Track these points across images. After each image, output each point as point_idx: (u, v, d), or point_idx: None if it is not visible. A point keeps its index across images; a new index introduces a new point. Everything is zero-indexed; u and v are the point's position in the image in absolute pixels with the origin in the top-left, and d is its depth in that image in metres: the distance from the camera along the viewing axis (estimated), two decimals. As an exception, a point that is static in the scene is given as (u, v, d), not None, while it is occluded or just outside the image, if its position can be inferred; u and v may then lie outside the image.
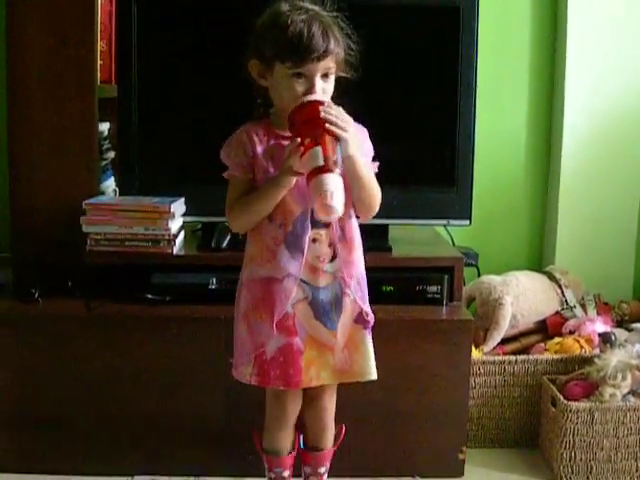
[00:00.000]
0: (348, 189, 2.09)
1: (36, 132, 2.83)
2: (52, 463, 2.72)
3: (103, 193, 3.02)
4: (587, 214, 3.62)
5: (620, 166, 3.60)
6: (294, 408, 2.36)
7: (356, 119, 2.16)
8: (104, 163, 3.12)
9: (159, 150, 2.89)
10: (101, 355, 2.67)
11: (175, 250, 2.79)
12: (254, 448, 2.42)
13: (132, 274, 2.79)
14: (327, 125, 2.05)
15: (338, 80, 2.20)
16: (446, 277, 2.82)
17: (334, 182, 2.00)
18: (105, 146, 3.16)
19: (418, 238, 3.12)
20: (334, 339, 2.24)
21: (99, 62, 2.94)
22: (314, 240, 2.19)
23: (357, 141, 2.16)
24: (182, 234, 2.90)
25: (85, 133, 2.85)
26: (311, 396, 2.35)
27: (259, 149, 2.19)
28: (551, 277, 3.35)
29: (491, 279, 3.25)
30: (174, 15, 2.85)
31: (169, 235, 2.76)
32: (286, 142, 2.15)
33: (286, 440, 2.40)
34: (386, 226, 2.99)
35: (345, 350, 2.25)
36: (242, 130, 2.23)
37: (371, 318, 2.28)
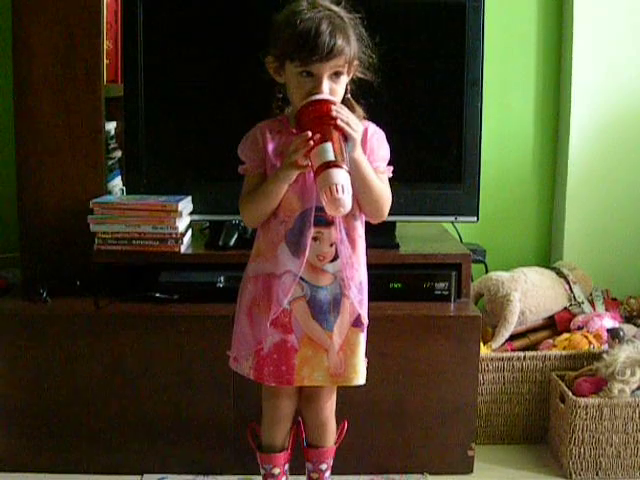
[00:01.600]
0: (353, 190, 2.09)
1: (43, 132, 2.83)
2: (61, 461, 2.73)
3: (110, 192, 3.03)
4: (595, 210, 3.62)
5: (628, 162, 3.59)
6: (288, 406, 2.36)
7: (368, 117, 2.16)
8: (111, 162, 3.12)
9: (166, 149, 2.90)
10: (109, 354, 2.68)
11: (183, 249, 2.79)
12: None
13: (140, 273, 2.80)
14: (339, 122, 2.05)
15: (357, 81, 2.22)
16: (454, 274, 2.82)
17: (343, 177, 2.00)
18: (112, 145, 3.17)
19: (426, 235, 3.11)
20: (329, 340, 2.23)
21: (105, 61, 2.94)
22: (315, 239, 2.19)
23: (370, 141, 2.19)
24: (189, 233, 2.91)
25: (92, 132, 2.85)
26: (309, 394, 2.35)
27: (270, 146, 2.20)
28: (559, 273, 3.35)
29: (499, 275, 3.24)
30: (180, 14, 2.85)
31: (176, 234, 2.76)
32: None
33: (280, 437, 2.40)
34: (393, 223, 2.99)
35: (340, 353, 2.25)
36: (257, 127, 2.25)
37: (366, 323, 2.28)
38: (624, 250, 3.65)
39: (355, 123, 2.10)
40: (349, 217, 2.20)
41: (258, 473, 2.43)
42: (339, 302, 2.23)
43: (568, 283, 3.31)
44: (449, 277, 2.81)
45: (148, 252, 2.77)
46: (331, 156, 2.01)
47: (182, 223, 2.79)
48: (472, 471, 2.76)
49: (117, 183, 3.16)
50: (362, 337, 2.28)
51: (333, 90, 2.12)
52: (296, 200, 2.18)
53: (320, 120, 2.05)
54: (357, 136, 2.10)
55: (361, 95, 2.24)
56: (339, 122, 2.05)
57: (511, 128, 3.65)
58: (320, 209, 2.15)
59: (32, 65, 2.80)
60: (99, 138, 2.87)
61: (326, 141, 2.03)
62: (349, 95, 2.23)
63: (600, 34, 3.50)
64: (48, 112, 2.83)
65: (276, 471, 2.40)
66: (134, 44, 2.83)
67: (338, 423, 2.45)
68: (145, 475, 2.72)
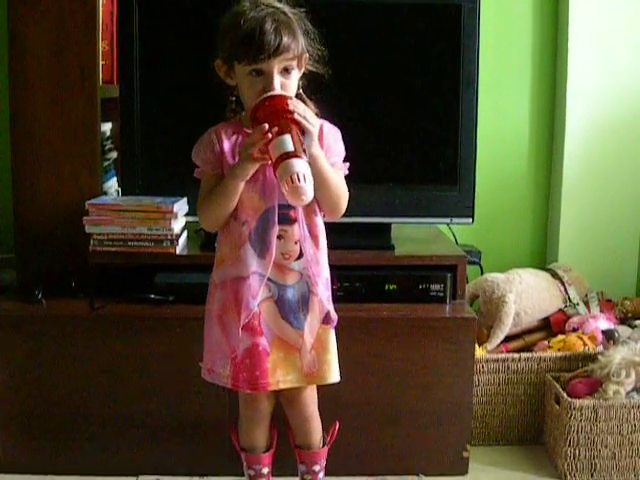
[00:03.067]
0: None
1: (39, 133, 2.83)
2: (56, 462, 2.73)
3: (106, 193, 3.02)
4: (590, 211, 3.62)
5: (623, 164, 3.60)
6: (266, 408, 2.36)
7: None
8: (106, 163, 3.12)
9: (161, 150, 2.90)
10: (105, 355, 2.68)
11: (178, 250, 2.79)
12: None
13: (135, 274, 2.80)
14: (295, 116, 2.05)
15: (310, 75, 2.22)
16: (449, 275, 2.82)
17: (303, 166, 2.00)
18: (107, 146, 3.16)
19: (421, 236, 3.12)
20: (301, 339, 2.22)
21: (101, 62, 2.94)
22: (279, 237, 2.19)
23: (327, 138, 2.19)
24: (185, 234, 2.91)
25: (87, 133, 2.85)
26: (289, 395, 2.34)
27: (226, 146, 2.20)
28: (554, 274, 3.35)
29: (494, 277, 3.25)
30: (175, 15, 2.85)
31: (172, 235, 2.76)
32: None
33: (261, 438, 2.40)
34: (389, 224, 3.00)
35: (313, 351, 2.24)
36: (211, 130, 2.25)
37: (335, 319, 2.27)
38: (619, 252, 3.66)
39: (312, 117, 2.12)
40: (310, 213, 2.21)
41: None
42: (307, 300, 2.23)
43: (563, 285, 3.31)
44: (444, 278, 2.82)
45: (143, 253, 2.77)
46: (290, 147, 2.01)
47: (177, 224, 2.79)
48: (467, 472, 2.77)
49: (113, 184, 3.16)
50: (332, 334, 2.27)
51: (285, 85, 2.13)
52: (257, 199, 2.17)
53: (277, 114, 2.05)
54: (314, 130, 2.10)
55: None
56: (296, 116, 2.06)
57: (506, 130, 3.65)
58: (282, 207, 2.16)
59: (27, 66, 2.80)
60: (94, 139, 2.87)
61: (284, 134, 2.03)
62: (301, 90, 2.23)
63: (595, 35, 3.50)
64: (43, 113, 2.82)
65: (265, 470, 2.41)
66: (130, 45, 2.83)
67: (329, 423, 2.45)
68: (140, 476, 2.72)
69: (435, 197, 2.93)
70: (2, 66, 2.89)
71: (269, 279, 2.19)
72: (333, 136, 2.24)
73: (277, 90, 2.09)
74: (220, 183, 2.18)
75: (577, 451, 2.73)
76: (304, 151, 2.03)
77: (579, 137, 3.56)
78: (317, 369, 2.24)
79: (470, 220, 2.97)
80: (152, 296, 2.75)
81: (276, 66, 2.09)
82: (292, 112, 2.05)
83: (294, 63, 2.14)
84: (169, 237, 2.77)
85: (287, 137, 2.02)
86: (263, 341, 2.20)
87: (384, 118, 2.89)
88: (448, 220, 3.00)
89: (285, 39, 2.08)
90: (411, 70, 2.90)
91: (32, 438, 2.72)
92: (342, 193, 2.22)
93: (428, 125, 2.93)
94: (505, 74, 3.61)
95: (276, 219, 2.17)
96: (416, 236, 3.11)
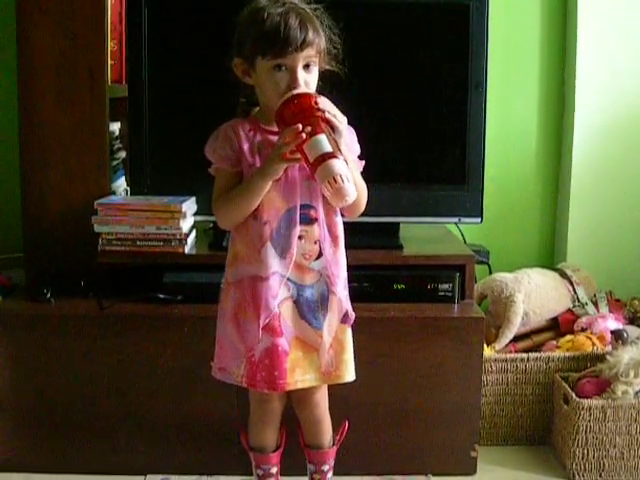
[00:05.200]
0: None
1: (47, 132, 2.83)
2: (64, 461, 2.74)
3: (114, 193, 3.02)
4: (599, 211, 3.62)
5: (632, 163, 3.59)
6: (278, 408, 2.36)
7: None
8: (115, 163, 3.12)
9: (170, 149, 2.90)
10: (113, 354, 2.68)
11: (186, 249, 2.80)
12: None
13: (144, 274, 2.80)
14: (326, 114, 2.05)
15: (324, 74, 2.21)
16: (457, 275, 2.82)
17: (343, 166, 1.99)
18: (116, 146, 3.17)
19: (429, 236, 3.11)
20: (320, 339, 2.22)
21: (109, 62, 2.94)
22: (300, 237, 2.18)
23: (349, 141, 2.17)
24: (193, 233, 2.91)
25: (96, 133, 2.85)
26: (301, 395, 2.33)
27: (245, 144, 2.18)
28: (563, 274, 3.35)
29: (503, 277, 3.24)
30: (184, 14, 2.86)
31: (180, 234, 2.77)
32: (274, 137, 2.14)
33: (271, 438, 2.41)
34: (397, 224, 3.00)
35: (331, 350, 2.24)
36: (228, 125, 2.22)
37: (353, 318, 2.27)
38: (628, 251, 3.65)
39: (340, 115, 2.11)
40: (330, 213, 2.20)
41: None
42: (326, 299, 2.22)
43: (572, 284, 3.31)
44: (453, 278, 2.81)
45: (152, 253, 2.77)
46: (328, 147, 1.99)
47: (186, 224, 2.79)
48: (475, 472, 2.76)
49: (121, 184, 3.16)
50: (350, 333, 2.27)
51: (308, 81, 2.12)
52: (279, 199, 2.16)
53: (306, 113, 2.04)
54: (343, 128, 2.10)
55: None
56: (327, 114, 2.05)
57: (515, 129, 3.64)
58: (303, 207, 2.16)
59: (36, 66, 2.80)
60: (103, 139, 2.87)
61: (317, 133, 2.01)
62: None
63: (604, 35, 3.50)
64: (52, 112, 2.83)
65: (274, 470, 2.41)
66: (138, 45, 2.83)
67: (339, 423, 2.45)
68: (148, 475, 2.73)
69: (443, 197, 2.93)
70: (11, 66, 2.89)
71: (288, 279, 2.18)
72: (350, 134, 2.23)
73: (301, 86, 2.09)
74: (245, 182, 2.16)
75: (585, 451, 2.73)
76: (339, 150, 2.02)
77: (587, 137, 3.55)
78: (334, 368, 2.24)
79: (479, 220, 2.96)
80: (160, 295, 2.75)
81: (300, 61, 2.09)
82: (322, 110, 2.05)
83: (316, 59, 2.13)
84: (178, 236, 2.77)
85: (323, 137, 2.00)
86: (283, 341, 2.19)
87: (392, 118, 2.88)
88: (456, 220, 3.00)
89: (310, 33, 2.08)
90: (419, 70, 2.90)
91: (40, 437, 2.73)
92: (363, 191, 2.23)
93: (436, 125, 2.93)
94: (513, 74, 3.60)
95: (298, 219, 2.16)
96: (424, 236, 3.10)
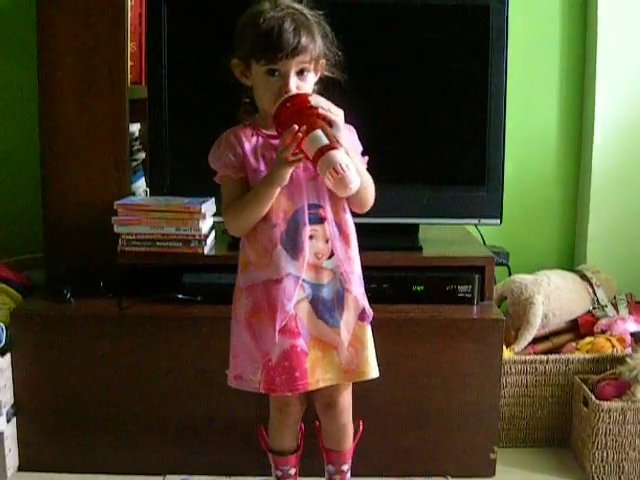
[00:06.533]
0: None
1: (67, 133, 2.85)
2: (84, 461, 2.75)
3: (134, 194, 3.03)
4: (619, 213, 3.60)
5: (652, 164, 3.58)
6: (298, 412, 2.36)
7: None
8: (135, 164, 3.13)
9: (189, 150, 2.89)
10: (132, 355, 2.69)
11: (206, 250, 2.80)
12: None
13: (163, 274, 2.81)
14: (320, 110, 2.06)
15: (324, 80, 2.22)
16: (477, 276, 2.81)
17: (343, 155, 2.00)
18: (136, 147, 3.17)
19: (449, 237, 3.11)
20: (338, 337, 2.21)
21: (129, 63, 2.95)
22: (311, 237, 2.17)
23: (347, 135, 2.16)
24: (213, 234, 2.91)
25: (116, 134, 2.86)
26: (327, 402, 2.33)
27: (248, 148, 2.18)
28: (583, 276, 3.33)
29: (522, 278, 3.23)
30: (203, 15, 2.86)
31: (200, 235, 2.77)
32: (275, 141, 2.14)
33: (291, 440, 2.41)
34: (417, 225, 2.99)
35: (350, 348, 2.23)
36: (229, 132, 2.23)
37: (371, 315, 2.27)
38: (648, 253, 3.64)
39: (335, 108, 2.11)
40: (339, 211, 2.20)
41: (281, 474, 2.44)
42: (342, 297, 2.21)
43: (591, 286, 3.30)
44: (472, 280, 2.81)
45: (171, 253, 2.78)
46: (325, 140, 2.01)
47: (205, 225, 2.79)
48: (494, 474, 2.76)
49: (141, 184, 3.17)
50: (369, 330, 2.27)
51: (300, 87, 2.12)
52: (286, 201, 2.16)
53: (301, 113, 2.05)
54: (340, 120, 2.10)
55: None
56: (320, 110, 2.06)
57: (535, 130, 3.63)
58: (311, 206, 2.16)
59: (56, 67, 2.81)
60: (123, 140, 2.88)
61: (314, 130, 2.02)
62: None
63: (624, 35, 3.48)
64: (72, 114, 2.84)
65: (292, 471, 2.42)
66: (158, 46, 2.84)
67: (356, 423, 2.44)
68: (167, 476, 2.73)
69: (463, 198, 2.92)
70: (31, 68, 2.91)
71: (303, 280, 2.18)
72: (350, 131, 2.23)
73: (293, 91, 2.09)
74: (252, 190, 2.16)
75: (605, 453, 2.72)
76: (338, 141, 2.02)
77: (608, 138, 3.54)
78: (356, 365, 2.24)
79: (498, 221, 2.96)
80: (180, 296, 2.76)
81: (293, 67, 2.09)
82: (316, 107, 2.06)
83: (310, 66, 2.13)
84: (197, 237, 2.77)
85: (319, 132, 2.02)
86: (301, 342, 2.18)
87: (412, 119, 2.88)
88: (476, 221, 2.99)
89: (303, 40, 2.08)
90: (439, 71, 2.90)
91: (60, 437, 2.74)
92: (369, 185, 2.21)
93: (456, 126, 2.92)
94: (533, 74, 3.59)
95: (307, 219, 2.16)
96: (444, 237, 3.10)
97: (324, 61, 2.18)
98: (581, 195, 3.67)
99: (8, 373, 2.68)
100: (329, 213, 2.19)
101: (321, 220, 2.19)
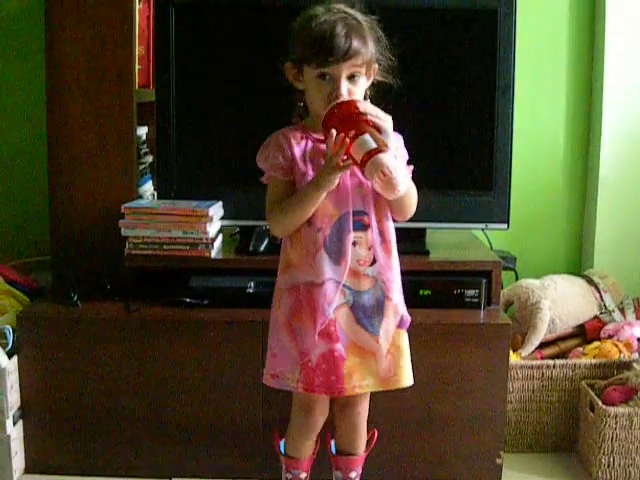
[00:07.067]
0: None
1: (75, 136, 2.85)
2: (90, 464, 2.75)
3: (141, 197, 3.04)
4: (626, 218, 3.59)
5: (660, 169, 3.58)
6: (321, 418, 2.36)
7: (394, 123, 2.15)
8: (142, 167, 3.13)
9: (197, 154, 2.91)
10: (139, 358, 2.69)
11: (213, 254, 2.80)
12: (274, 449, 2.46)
13: (170, 277, 2.81)
14: (368, 116, 2.06)
15: (377, 85, 2.22)
16: (484, 281, 2.81)
17: (390, 158, 2.01)
18: (143, 150, 3.18)
19: (456, 242, 3.11)
20: (377, 344, 2.21)
21: (137, 67, 2.95)
22: (354, 243, 2.18)
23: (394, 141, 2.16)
24: (220, 238, 2.92)
25: (123, 137, 2.87)
26: (344, 402, 2.34)
27: (297, 151, 2.19)
28: (590, 281, 3.33)
29: (529, 283, 3.23)
30: (211, 19, 2.86)
31: (207, 239, 2.77)
32: (324, 145, 2.14)
33: (309, 448, 2.41)
34: (424, 230, 3.00)
35: (389, 356, 2.23)
36: (279, 133, 2.23)
37: (409, 321, 2.27)
38: (655, 258, 3.64)
39: (384, 114, 2.11)
40: (382, 218, 2.21)
41: (287, 478, 2.44)
42: (382, 305, 2.22)
43: (599, 291, 3.29)
44: (479, 284, 2.81)
45: (179, 257, 2.78)
46: (372, 144, 2.02)
47: (213, 228, 2.79)
48: (500, 479, 2.75)
49: (148, 188, 3.17)
50: (406, 337, 2.27)
51: (351, 92, 2.12)
52: (332, 206, 2.17)
53: (349, 119, 2.06)
54: (388, 126, 2.10)
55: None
56: (369, 116, 2.06)
57: (542, 135, 3.63)
58: (356, 213, 2.17)
59: (64, 71, 2.82)
60: (130, 143, 2.88)
61: (361, 135, 2.03)
62: (368, 100, 2.23)
63: (633, 40, 3.48)
64: (80, 117, 2.84)
65: (303, 475, 2.42)
66: (166, 49, 2.84)
67: (368, 431, 2.45)
68: (173, 479, 2.73)
69: (470, 202, 2.92)
70: (39, 71, 2.91)
71: (344, 285, 2.18)
72: (397, 139, 2.23)
73: (344, 95, 2.10)
74: (299, 192, 2.17)
75: (612, 459, 2.72)
76: (386, 145, 2.03)
77: (615, 143, 3.54)
78: (393, 373, 2.25)
79: (505, 226, 2.95)
80: (187, 299, 2.76)
81: (344, 71, 2.10)
82: (364, 113, 2.06)
83: (362, 70, 2.14)
84: (204, 241, 2.77)
85: (367, 136, 2.03)
86: (339, 347, 2.19)
87: (420, 123, 2.88)
88: (483, 226, 2.99)
89: (355, 44, 2.08)
90: (447, 75, 2.90)
91: (65, 439, 2.74)
92: (413, 193, 2.23)
93: (464, 130, 2.92)
94: (541, 80, 3.59)
95: (351, 226, 2.17)
96: (451, 241, 3.10)
97: (376, 66, 2.19)
98: (588, 200, 3.67)
99: (15, 375, 2.68)
100: (373, 221, 2.20)
101: (365, 227, 2.19)
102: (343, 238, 2.16)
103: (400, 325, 2.25)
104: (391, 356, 2.24)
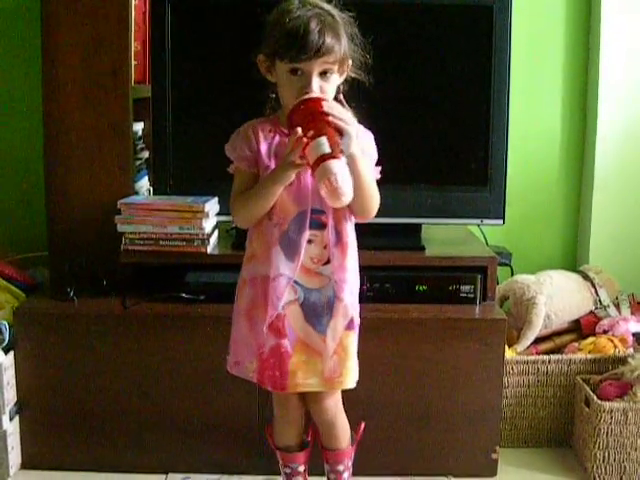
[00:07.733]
0: None
1: (71, 132, 2.85)
2: (86, 459, 2.76)
3: (137, 193, 3.03)
4: (621, 213, 3.60)
5: (655, 165, 3.58)
6: (297, 408, 2.37)
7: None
8: (138, 163, 3.13)
9: (193, 149, 2.91)
10: (136, 353, 2.69)
11: (209, 249, 2.80)
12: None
13: (166, 273, 2.81)
14: (330, 118, 2.05)
15: (349, 82, 2.22)
16: (479, 276, 2.82)
17: (341, 167, 1.99)
18: (139, 146, 3.18)
19: (451, 237, 3.11)
20: (323, 344, 2.22)
21: (133, 63, 2.95)
22: (309, 241, 2.18)
23: (360, 142, 2.15)
24: (216, 233, 2.92)
25: (120, 133, 2.86)
26: (311, 397, 2.34)
27: (263, 146, 2.20)
28: (585, 276, 3.34)
29: (525, 278, 3.24)
30: (207, 15, 2.86)
31: (203, 234, 2.77)
32: None
33: (295, 437, 2.42)
34: (419, 225, 3.00)
35: (335, 356, 2.23)
36: (249, 125, 2.24)
37: (357, 324, 2.27)
38: (650, 254, 3.64)
39: (349, 118, 2.10)
40: (341, 219, 2.20)
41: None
42: (332, 304, 2.21)
43: (594, 286, 3.30)
44: (474, 280, 2.81)
45: (175, 252, 2.78)
46: (326, 149, 2.00)
47: (209, 224, 2.80)
48: (496, 474, 2.76)
49: (144, 183, 3.17)
50: (355, 339, 2.27)
51: (323, 88, 2.12)
52: (291, 202, 2.17)
53: (312, 117, 2.05)
54: (352, 130, 2.08)
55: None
56: (331, 118, 2.05)
57: (538, 131, 3.63)
58: (315, 211, 2.17)
59: (60, 66, 2.81)
60: (127, 139, 2.88)
61: (320, 136, 2.02)
62: (341, 96, 2.23)
63: (628, 36, 3.48)
64: (76, 113, 2.84)
65: (301, 468, 2.43)
66: (162, 45, 2.84)
67: (356, 424, 2.45)
68: (170, 474, 2.74)
69: (466, 198, 2.92)
70: (35, 67, 2.91)
71: (296, 282, 2.19)
72: (366, 140, 2.24)
73: (315, 92, 2.09)
74: (258, 184, 2.18)
75: (607, 454, 2.73)
76: (341, 152, 2.02)
77: (611, 138, 3.54)
78: (338, 374, 2.24)
79: (501, 221, 2.95)
80: (183, 295, 2.76)
81: (316, 68, 2.09)
82: (327, 114, 2.05)
83: (335, 67, 2.13)
84: (200, 236, 2.78)
85: (323, 139, 2.01)
86: (286, 343, 2.20)
87: (415, 119, 2.88)
88: (479, 221, 2.99)
89: (328, 41, 2.07)
90: (442, 72, 2.90)
91: (63, 435, 2.75)
92: (375, 194, 2.22)
93: (459, 126, 2.92)
94: (537, 75, 3.59)
95: (307, 224, 2.17)
96: (446, 237, 3.10)
97: (350, 62, 2.19)
98: (584, 196, 3.67)
99: (11, 371, 2.69)
100: (330, 220, 2.19)
101: (322, 226, 2.19)
102: (299, 235, 2.17)
103: (349, 326, 2.25)
104: (337, 357, 2.23)
